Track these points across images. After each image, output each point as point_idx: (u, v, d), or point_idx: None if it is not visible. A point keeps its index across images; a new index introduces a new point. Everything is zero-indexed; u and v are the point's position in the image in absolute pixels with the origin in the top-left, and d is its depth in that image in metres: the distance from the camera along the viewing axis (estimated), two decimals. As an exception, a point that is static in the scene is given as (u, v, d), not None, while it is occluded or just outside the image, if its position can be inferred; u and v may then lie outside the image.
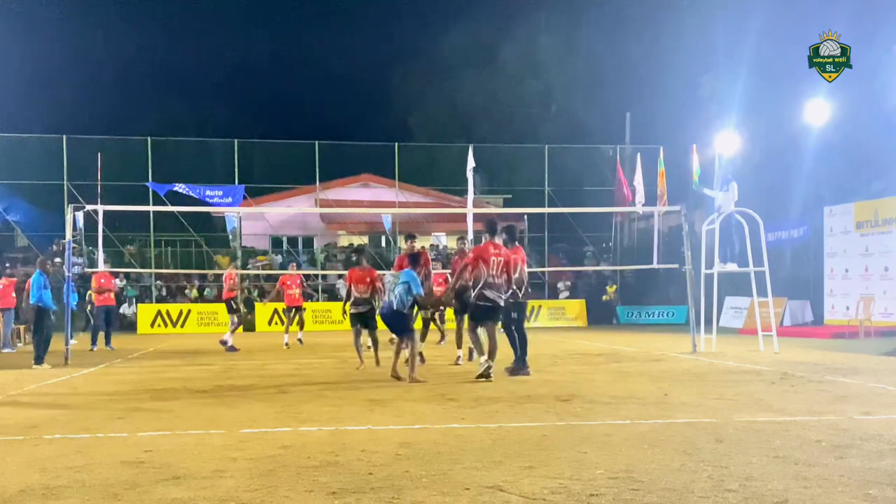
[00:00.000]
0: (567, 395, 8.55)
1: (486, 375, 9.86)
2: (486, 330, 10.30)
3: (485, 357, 10.01)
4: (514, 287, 10.47)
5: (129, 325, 25.80)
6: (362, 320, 12.08)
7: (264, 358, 14.58)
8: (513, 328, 10.81)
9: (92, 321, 18.05)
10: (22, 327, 20.07)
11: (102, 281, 17.13)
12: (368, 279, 12.11)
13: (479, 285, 10.08)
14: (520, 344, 10.77)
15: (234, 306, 16.57)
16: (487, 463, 5.22)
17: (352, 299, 12.10)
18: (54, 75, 45.12)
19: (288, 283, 17.97)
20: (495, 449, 5.69)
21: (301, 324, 18.09)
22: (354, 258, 12.68)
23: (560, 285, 29.33)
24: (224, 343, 16.26)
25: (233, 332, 16.48)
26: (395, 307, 10.37)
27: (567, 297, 28.77)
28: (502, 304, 10.18)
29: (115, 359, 14.64)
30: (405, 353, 10.64)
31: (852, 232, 21.05)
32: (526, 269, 11.07)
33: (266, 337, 22.46)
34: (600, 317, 27.27)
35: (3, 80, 33.59)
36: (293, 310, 17.93)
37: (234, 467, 5.20)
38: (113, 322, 17.87)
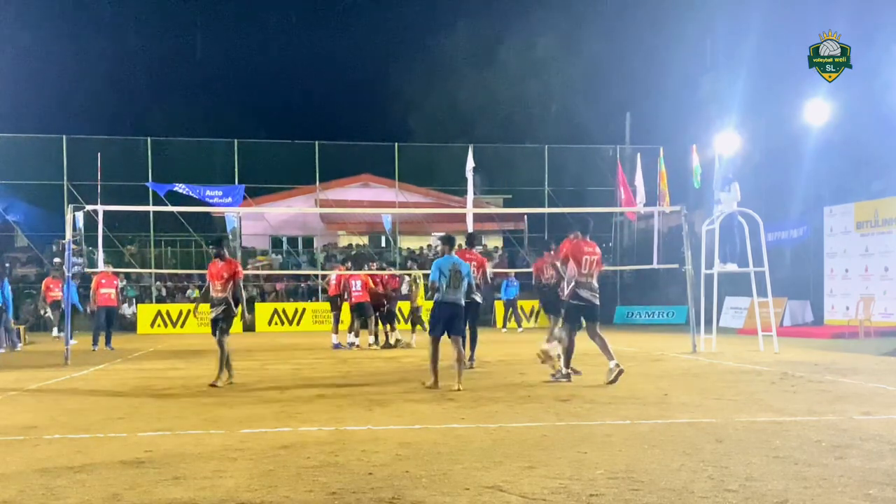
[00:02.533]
0: (567, 395, 8.56)
1: (615, 379, 9.32)
2: (574, 332, 9.77)
3: (566, 370, 9.71)
4: (475, 288, 10.74)
5: (129, 326, 25.78)
6: (215, 325, 10.13)
7: (264, 358, 14.59)
8: (469, 327, 11.28)
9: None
10: (22, 327, 20.09)
11: (104, 281, 17.10)
12: (226, 274, 10.02)
13: (572, 284, 9.66)
14: (471, 342, 11.47)
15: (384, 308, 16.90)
16: (487, 463, 5.22)
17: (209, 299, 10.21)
18: (54, 75, 45.14)
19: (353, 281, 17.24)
20: (495, 449, 5.69)
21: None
22: (213, 249, 10.47)
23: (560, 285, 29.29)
24: (390, 346, 16.43)
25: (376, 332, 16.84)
26: (463, 303, 9.43)
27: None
28: (597, 303, 9.76)
29: (115, 359, 14.64)
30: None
31: (852, 232, 21.04)
32: (489, 273, 11.61)
33: (266, 337, 22.47)
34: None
35: (3, 80, 33.58)
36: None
37: (234, 467, 5.20)
38: (114, 322, 17.84)
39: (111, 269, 18.57)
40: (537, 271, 12.47)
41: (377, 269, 18.20)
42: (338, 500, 4.41)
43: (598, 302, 9.78)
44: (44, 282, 22.26)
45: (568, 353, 9.78)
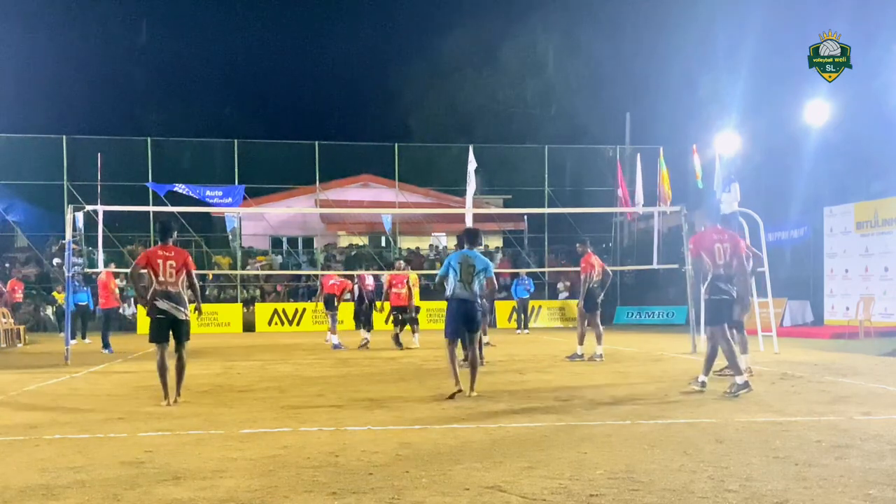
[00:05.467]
0: (567, 395, 8.55)
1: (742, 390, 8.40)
2: (724, 335, 8.66)
3: (743, 378, 8.42)
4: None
5: (130, 326, 25.77)
6: (166, 329, 8.28)
7: (264, 358, 14.59)
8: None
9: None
10: (22, 327, 20.12)
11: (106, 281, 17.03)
12: (177, 265, 8.27)
13: (709, 279, 8.73)
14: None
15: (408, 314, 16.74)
16: (487, 463, 5.22)
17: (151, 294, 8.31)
18: (54, 75, 45.13)
19: (394, 282, 16.68)
20: (495, 449, 5.69)
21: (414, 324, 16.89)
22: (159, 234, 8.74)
23: (560, 286, 29.33)
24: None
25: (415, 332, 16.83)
26: (476, 299, 8.58)
27: (566, 298, 28.75)
28: (735, 296, 8.73)
29: (116, 359, 14.63)
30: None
31: (852, 232, 21.04)
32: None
33: (266, 337, 22.47)
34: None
35: (3, 80, 33.62)
36: (399, 311, 16.69)
37: (234, 467, 5.20)
38: (103, 322, 17.01)
39: (112, 269, 18.45)
40: (590, 269, 12.98)
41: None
42: (338, 500, 4.40)
43: (735, 296, 8.74)
44: (8, 283, 22.34)
45: (731, 355, 8.66)
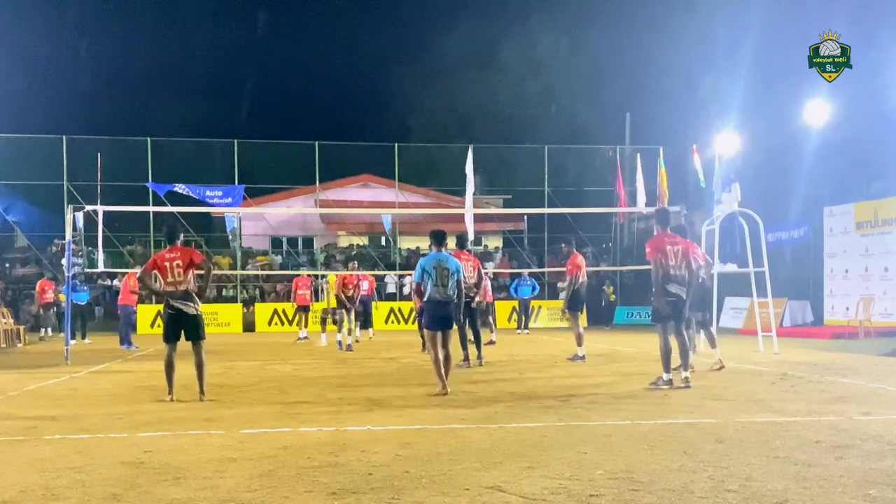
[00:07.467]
0: (567, 395, 8.56)
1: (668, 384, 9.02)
2: (673, 332, 9.30)
3: (667, 375, 9.10)
4: (465, 290, 10.56)
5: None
6: (177, 326, 8.59)
7: (264, 358, 14.59)
8: (470, 327, 11.98)
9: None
10: (22, 327, 20.11)
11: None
12: (183, 263, 8.49)
13: (660, 279, 9.34)
14: (476, 342, 12.11)
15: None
16: (487, 463, 5.22)
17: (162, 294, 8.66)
18: (54, 75, 45.16)
19: None
20: (495, 449, 5.69)
21: None
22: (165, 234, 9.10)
23: (560, 285, 29.31)
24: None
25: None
26: (452, 300, 8.93)
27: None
28: (685, 297, 9.36)
29: (115, 359, 14.64)
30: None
31: (852, 232, 21.04)
32: (483, 273, 12.36)
33: (266, 337, 22.47)
34: (599, 317, 27.27)
35: (3, 80, 33.60)
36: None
37: (234, 467, 5.20)
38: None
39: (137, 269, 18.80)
40: (576, 270, 12.92)
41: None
42: (338, 500, 4.41)
43: (685, 297, 9.35)
44: (38, 284, 22.35)
45: (666, 354, 9.24)
